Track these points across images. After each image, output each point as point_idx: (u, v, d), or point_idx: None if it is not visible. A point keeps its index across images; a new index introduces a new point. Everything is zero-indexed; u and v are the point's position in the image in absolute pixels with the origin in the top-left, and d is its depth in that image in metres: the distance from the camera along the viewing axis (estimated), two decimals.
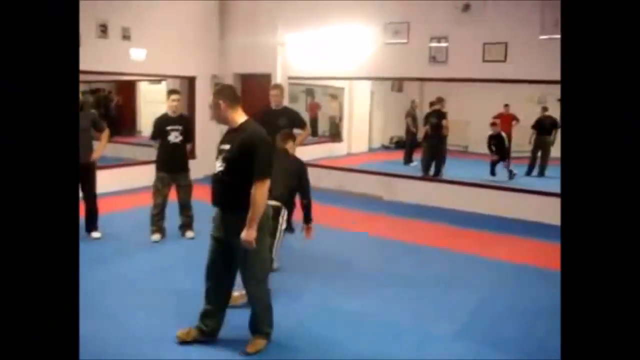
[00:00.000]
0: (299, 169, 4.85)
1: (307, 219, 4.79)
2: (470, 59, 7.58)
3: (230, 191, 3.40)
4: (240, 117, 3.46)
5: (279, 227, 4.54)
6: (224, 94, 3.45)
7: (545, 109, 10.36)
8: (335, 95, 12.18)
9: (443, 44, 7.81)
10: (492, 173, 9.72)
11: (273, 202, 4.15)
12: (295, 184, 4.75)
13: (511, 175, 9.69)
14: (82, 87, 5.77)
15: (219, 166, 3.41)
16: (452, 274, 5.23)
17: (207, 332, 3.64)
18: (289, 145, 5.02)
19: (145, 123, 12.42)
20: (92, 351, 3.28)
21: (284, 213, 4.62)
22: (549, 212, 6.79)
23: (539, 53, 7.01)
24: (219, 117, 3.49)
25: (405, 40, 8.12)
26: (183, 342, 3.60)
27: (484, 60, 7.48)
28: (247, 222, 3.25)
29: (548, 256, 5.67)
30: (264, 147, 3.33)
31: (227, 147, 3.40)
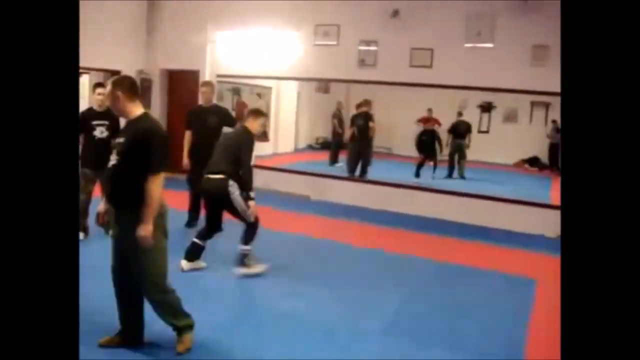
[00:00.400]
0: (238, 140, 4.87)
1: (242, 187, 4.79)
2: (398, 64, 7.78)
3: (123, 186, 3.24)
4: (137, 109, 3.30)
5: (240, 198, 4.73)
6: (123, 84, 3.28)
7: (460, 114, 10.71)
8: (260, 94, 12.15)
9: (372, 48, 7.98)
10: (417, 175, 9.97)
11: (216, 176, 4.62)
12: (237, 156, 4.77)
13: (434, 172, 9.96)
14: None
15: (112, 160, 3.25)
16: (378, 273, 5.35)
17: (128, 338, 3.48)
18: (249, 122, 5.00)
19: None
20: None
21: (233, 183, 4.72)
22: (473, 212, 7.09)
23: (463, 60, 7.30)
24: (115, 108, 3.33)
25: (335, 42, 8.24)
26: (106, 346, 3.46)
27: (411, 65, 7.70)
28: (143, 217, 3.12)
29: (468, 255, 5.91)
30: (158, 140, 3.21)
31: (121, 140, 3.25)
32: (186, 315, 3.50)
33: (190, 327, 3.51)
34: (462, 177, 10.58)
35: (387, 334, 4.03)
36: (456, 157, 10.77)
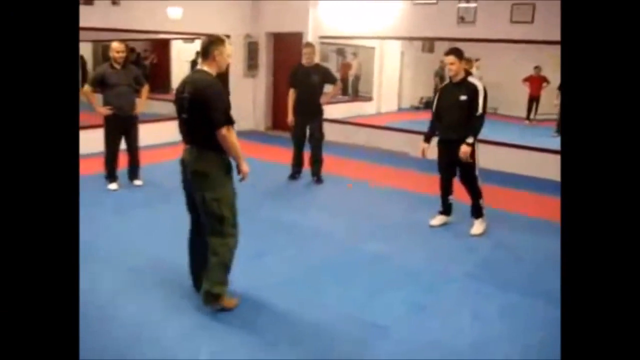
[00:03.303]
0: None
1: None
2: (498, 20, 7.71)
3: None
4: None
5: None
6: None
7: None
8: (356, 54, 12.35)
9: (471, 5, 7.94)
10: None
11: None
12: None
13: None
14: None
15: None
16: (467, 224, 5.51)
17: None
18: None
19: (178, 81, 12.80)
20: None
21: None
22: None
23: None
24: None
25: (434, 1, 8.27)
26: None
27: (512, 21, 7.60)
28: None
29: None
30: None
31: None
32: (226, 281, 3.61)
33: (221, 295, 3.58)
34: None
35: (470, 278, 4.27)
36: None
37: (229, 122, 3.40)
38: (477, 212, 5.28)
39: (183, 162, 3.57)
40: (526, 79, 11.20)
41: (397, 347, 3.26)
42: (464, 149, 4.93)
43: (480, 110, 4.92)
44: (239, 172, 3.54)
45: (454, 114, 5.05)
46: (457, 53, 5.05)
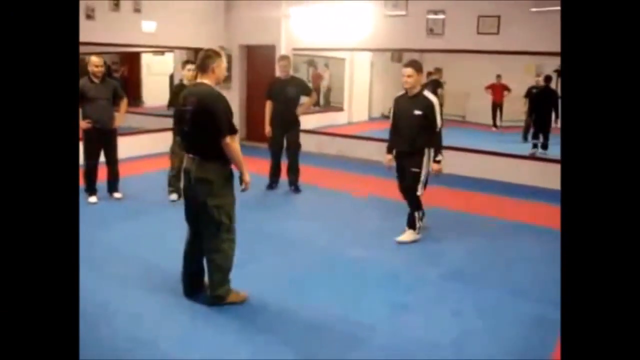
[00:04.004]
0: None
1: None
2: (466, 31, 8.00)
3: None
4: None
5: None
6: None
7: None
8: (328, 65, 12.61)
9: (440, 16, 8.23)
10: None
11: None
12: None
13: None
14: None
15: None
16: (441, 229, 5.72)
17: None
18: None
19: (149, 94, 12.88)
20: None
21: None
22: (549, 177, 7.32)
23: (531, 25, 7.44)
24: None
25: (404, 13, 8.54)
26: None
27: (478, 33, 7.90)
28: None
29: (547, 217, 6.17)
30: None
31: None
32: (227, 281, 3.85)
33: (226, 296, 3.83)
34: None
35: (447, 279, 4.48)
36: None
37: (233, 131, 3.59)
38: (411, 223, 5.29)
39: (186, 171, 3.76)
40: (488, 87, 11.61)
41: (386, 341, 3.46)
42: (436, 167, 5.06)
43: (439, 125, 5.00)
44: (242, 182, 3.72)
45: (408, 127, 5.08)
46: (415, 66, 5.04)
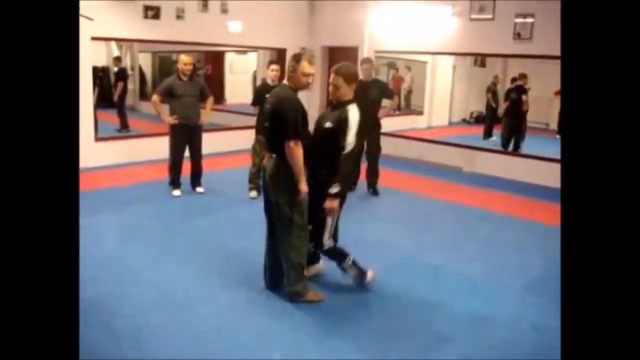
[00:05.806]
0: None
1: None
2: (555, 36, 7.71)
3: None
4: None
5: None
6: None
7: None
8: (409, 67, 12.49)
9: (528, 20, 7.98)
10: None
11: None
12: None
13: None
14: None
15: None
16: (524, 240, 5.57)
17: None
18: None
19: (230, 92, 13.19)
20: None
21: None
22: None
23: None
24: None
25: (490, 16, 8.34)
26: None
27: None
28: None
29: None
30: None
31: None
32: (304, 278, 3.96)
33: (304, 293, 3.93)
34: None
35: (528, 291, 4.35)
36: None
37: (298, 136, 3.62)
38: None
39: (264, 168, 3.91)
40: (557, 93, 11.07)
41: (465, 350, 3.40)
42: None
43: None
44: (298, 191, 3.69)
45: None
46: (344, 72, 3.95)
